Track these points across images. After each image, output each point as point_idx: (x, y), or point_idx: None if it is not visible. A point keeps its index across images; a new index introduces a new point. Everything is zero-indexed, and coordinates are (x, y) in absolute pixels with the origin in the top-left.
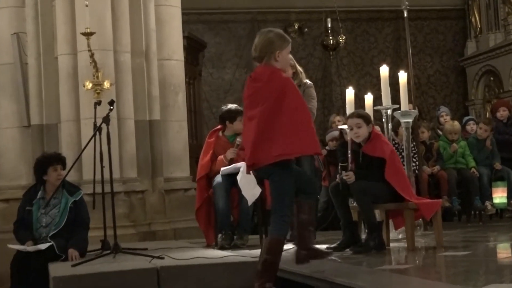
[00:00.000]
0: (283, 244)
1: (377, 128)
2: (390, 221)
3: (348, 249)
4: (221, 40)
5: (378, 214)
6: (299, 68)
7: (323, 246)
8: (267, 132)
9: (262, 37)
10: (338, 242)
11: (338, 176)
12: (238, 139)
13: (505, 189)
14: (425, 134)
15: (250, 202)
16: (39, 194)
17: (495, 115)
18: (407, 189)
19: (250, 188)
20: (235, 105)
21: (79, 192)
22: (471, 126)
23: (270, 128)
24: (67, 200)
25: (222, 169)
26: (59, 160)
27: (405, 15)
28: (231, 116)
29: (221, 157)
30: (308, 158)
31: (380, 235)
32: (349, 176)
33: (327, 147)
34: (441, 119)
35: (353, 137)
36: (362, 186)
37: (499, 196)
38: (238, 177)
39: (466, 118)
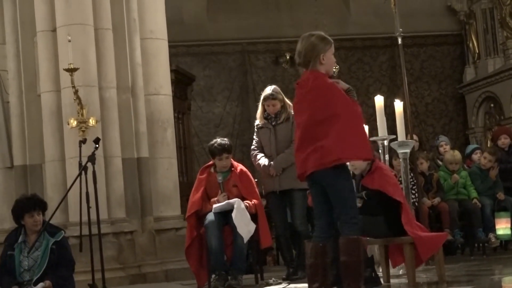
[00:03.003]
0: (359, 243)
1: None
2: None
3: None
4: (210, 73)
5: (376, 249)
6: (288, 102)
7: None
8: (313, 140)
9: (305, 42)
10: None
11: None
12: (219, 178)
13: (509, 220)
14: (424, 165)
15: (246, 240)
16: (20, 238)
17: (496, 143)
18: (410, 222)
19: (245, 224)
20: (224, 140)
21: (61, 233)
22: (478, 156)
23: (316, 135)
24: (48, 241)
25: (214, 206)
26: (36, 205)
27: (399, 42)
28: (211, 152)
29: (214, 200)
30: (301, 192)
31: (374, 269)
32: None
33: None
34: (441, 149)
35: (351, 169)
36: None
37: (502, 227)
38: (233, 214)
39: (472, 147)
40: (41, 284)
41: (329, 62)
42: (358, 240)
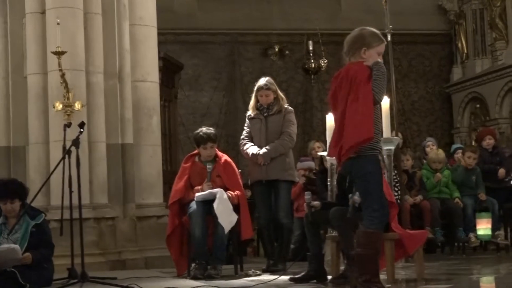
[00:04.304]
0: (375, 237)
1: None
2: None
3: (314, 281)
4: (198, 62)
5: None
6: (280, 94)
7: (286, 277)
8: (339, 131)
9: (354, 33)
10: (303, 273)
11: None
12: (209, 166)
13: (490, 220)
14: (409, 162)
15: (227, 230)
16: (1, 220)
17: (480, 143)
18: (394, 219)
19: (226, 215)
20: (210, 129)
21: (41, 216)
22: (459, 155)
23: (341, 127)
24: (28, 224)
25: (197, 194)
26: (8, 194)
27: (389, 38)
28: (196, 141)
29: (197, 188)
30: (287, 184)
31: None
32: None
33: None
34: (427, 149)
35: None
36: (343, 213)
37: (483, 227)
38: (215, 204)
39: (455, 146)
40: (6, 245)
41: (371, 59)
42: (373, 233)
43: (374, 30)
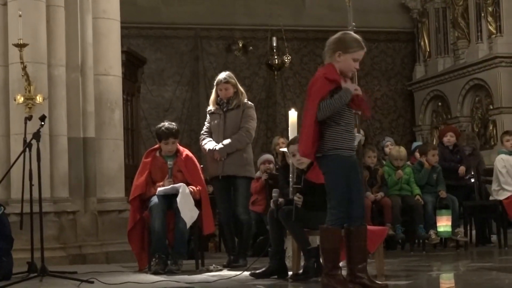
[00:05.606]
0: (329, 232)
1: None
2: None
3: (275, 276)
4: (162, 56)
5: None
6: (240, 89)
7: (247, 272)
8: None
9: (336, 35)
10: (263, 269)
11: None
12: (170, 163)
13: (450, 217)
14: (375, 159)
15: (188, 225)
16: None
17: (441, 140)
18: None
19: (188, 209)
20: (172, 124)
21: (0, 209)
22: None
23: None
24: None
25: (159, 189)
26: None
27: None
28: (158, 136)
29: (159, 184)
30: (245, 180)
31: (318, 260)
32: (300, 199)
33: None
34: (386, 149)
35: (296, 164)
36: (290, 213)
37: (443, 224)
38: (178, 199)
39: (416, 144)
40: None
41: (345, 64)
42: (326, 229)
43: (356, 36)
